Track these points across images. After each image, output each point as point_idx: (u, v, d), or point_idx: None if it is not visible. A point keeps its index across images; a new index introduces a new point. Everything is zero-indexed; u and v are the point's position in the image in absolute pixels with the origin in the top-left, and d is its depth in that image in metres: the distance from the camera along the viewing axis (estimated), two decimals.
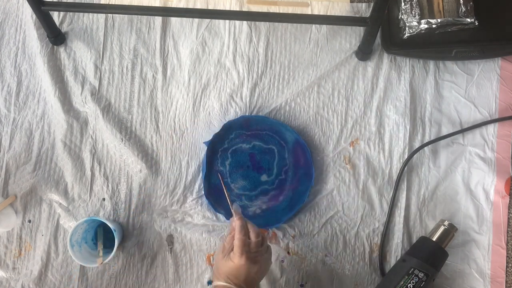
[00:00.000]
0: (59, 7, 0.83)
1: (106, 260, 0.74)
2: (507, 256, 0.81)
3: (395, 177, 0.83)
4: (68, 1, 0.89)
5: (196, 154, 0.84)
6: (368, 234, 0.82)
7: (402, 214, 0.82)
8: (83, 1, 0.89)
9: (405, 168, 0.82)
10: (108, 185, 0.83)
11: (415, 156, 0.83)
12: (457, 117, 0.85)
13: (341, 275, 0.81)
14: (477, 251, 0.82)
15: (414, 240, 0.82)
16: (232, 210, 0.70)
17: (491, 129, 0.85)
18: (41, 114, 0.85)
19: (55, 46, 0.87)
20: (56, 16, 0.87)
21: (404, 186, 0.83)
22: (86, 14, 0.88)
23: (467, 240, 0.82)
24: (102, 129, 0.84)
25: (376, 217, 0.83)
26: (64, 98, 0.85)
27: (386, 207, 0.83)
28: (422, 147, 0.83)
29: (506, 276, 0.81)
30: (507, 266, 0.81)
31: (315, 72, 0.86)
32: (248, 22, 0.87)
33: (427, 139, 0.84)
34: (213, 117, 0.85)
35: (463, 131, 0.84)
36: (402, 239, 0.81)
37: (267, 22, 0.87)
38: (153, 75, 0.86)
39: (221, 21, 0.88)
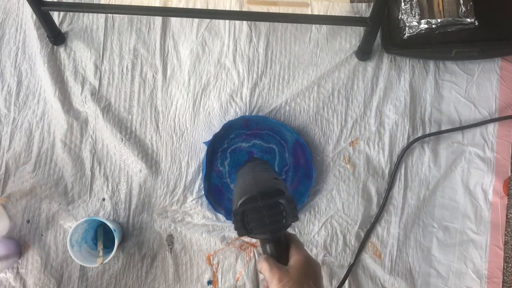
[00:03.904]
0: (59, 7, 0.83)
1: (106, 260, 0.74)
2: (505, 256, 0.82)
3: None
4: (68, 1, 0.89)
5: (196, 154, 0.84)
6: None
7: (399, 213, 0.82)
8: (83, 1, 0.89)
9: (403, 165, 0.83)
10: (108, 185, 0.83)
11: (415, 156, 0.83)
12: (457, 117, 0.85)
13: (340, 274, 0.81)
14: (475, 251, 0.82)
15: (412, 239, 0.82)
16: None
17: (491, 129, 0.85)
18: (41, 114, 0.85)
19: (55, 46, 0.87)
20: (56, 16, 0.87)
21: (402, 185, 0.83)
22: (86, 14, 0.88)
23: (464, 240, 0.82)
24: (102, 129, 0.84)
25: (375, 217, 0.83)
26: (64, 98, 0.85)
27: (386, 207, 0.83)
28: (417, 139, 0.83)
29: (505, 276, 0.81)
30: (506, 266, 0.81)
31: (315, 72, 0.86)
32: (248, 22, 0.87)
33: (427, 139, 0.84)
34: (213, 117, 0.85)
35: (462, 128, 0.84)
36: (398, 239, 0.82)
37: (267, 22, 0.87)
38: (153, 75, 0.86)
39: (221, 21, 0.87)
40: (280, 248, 0.56)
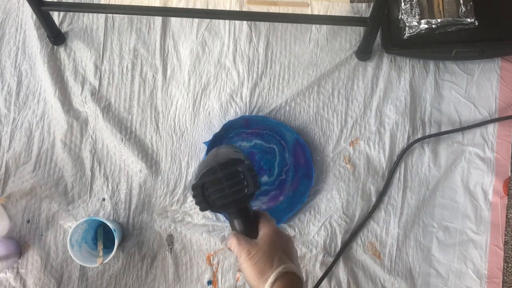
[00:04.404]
0: (59, 7, 0.83)
1: (106, 260, 0.74)
2: (505, 256, 0.82)
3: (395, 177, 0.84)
4: (68, 1, 0.89)
5: (196, 154, 0.84)
6: (367, 234, 0.82)
7: (398, 213, 0.82)
8: (83, 1, 0.89)
9: (403, 165, 0.83)
10: (108, 185, 0.83)
11: (415, 156, 0.83)
12: (457, 117, 0.85)
13: (339, 274, 0.81)
14: (475, 251, 0.82)
15: (412, 239, 0.82)
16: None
17: (491, 129, 0.85)
18: (41, 114, 0.85)
19: (55, 46, 0.87)
20: (56, 16, 0.87)
21: (401, 185, 0.83)
22: (86, 14, 0.88)
23: (464, 240, 0.82)
24: (102, 129, 0.84)
25: (375, 216, 0.83)
26: (64, 98, 0.85)
27: (385, 207, 0.83)
28: (417, 141, 0.83)
29: (505, 276, 0.81)
30: (506, 266, 0.81)
31: (315, 72, 0.86)
32: (248, 22, 0.87)
33: (427, 140, 0.84)
34: (213, 117, 0.85)
35: (462, 129, 0.84)
36: (397, 239, 0.82)
37: (267, 22, 0.87)
38: (153, 75, 0.86)
39: (221, 21, 0.87)
40: (249, 223, 0.54)
